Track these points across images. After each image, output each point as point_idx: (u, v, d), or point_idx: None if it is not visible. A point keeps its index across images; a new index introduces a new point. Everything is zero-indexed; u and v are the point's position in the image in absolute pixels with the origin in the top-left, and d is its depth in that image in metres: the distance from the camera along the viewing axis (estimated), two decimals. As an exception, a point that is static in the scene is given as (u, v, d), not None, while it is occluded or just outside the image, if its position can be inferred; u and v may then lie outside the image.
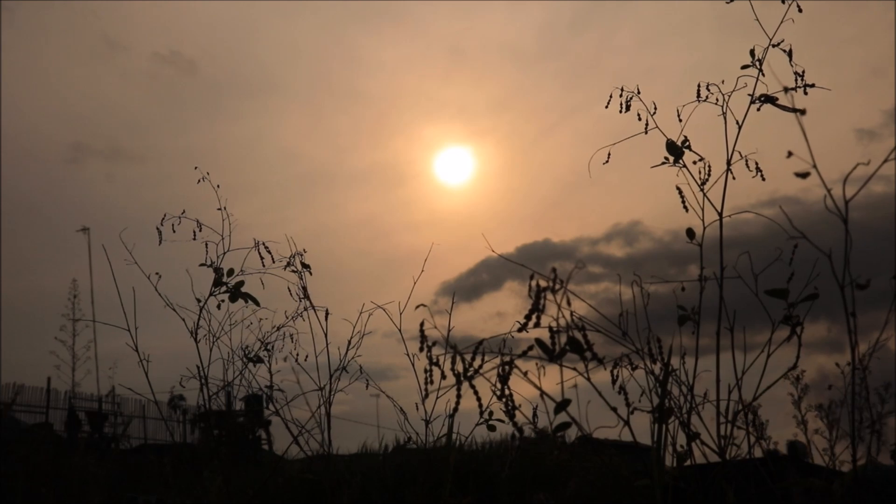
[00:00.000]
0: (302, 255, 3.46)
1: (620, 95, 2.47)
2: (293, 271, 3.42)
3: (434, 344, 1.27)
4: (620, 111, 2.44)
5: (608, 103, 2.46)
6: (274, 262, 3.41)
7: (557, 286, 1.23)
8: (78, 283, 20.32)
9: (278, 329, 3.47)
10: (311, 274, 3.45)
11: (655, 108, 2.43)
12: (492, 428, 2.63)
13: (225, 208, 3.41)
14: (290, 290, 3.42)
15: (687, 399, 2.09)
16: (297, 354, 3.39)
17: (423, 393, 1.25)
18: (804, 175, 1.54)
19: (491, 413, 2.60)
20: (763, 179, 2.29)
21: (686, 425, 2.09)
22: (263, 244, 3.41)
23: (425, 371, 1.27)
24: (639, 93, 2.45)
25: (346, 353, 3.42)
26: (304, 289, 3.39)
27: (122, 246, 3.37)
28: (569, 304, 1.26)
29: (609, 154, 2.43)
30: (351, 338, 3.41)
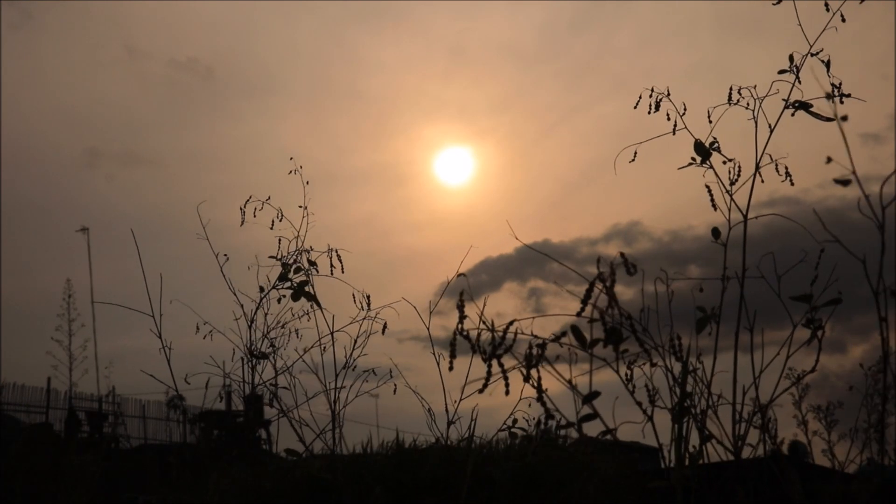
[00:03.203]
0: (337, 252, 3.44)
1: (651, 96, 2.46)
2: (300, 268, 3.41)
3: (466, 317, 1.26)
4: (649, 112, 2.43)
5: (637, 104, 2.44)
6: (339, 270, 3.39)
7: (631, 270, 1.23)
8: (73, 282, 20.28)
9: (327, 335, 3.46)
10: (343, 271, 3.43)
11: (685, 109, 2.42)
12: (514, 435, 2.62)
13: (306, 207, 3.40)
14: (353, 297, 3.40)
15: (704, 398, 2.08)
16: (340, 351, 3.38)
17: (449, 365, 1.25)
18: (845, 182, 1.54)
19: (515, 420, 2.58)
20: (792, 184, 2.29)
21: (702, 424, 2.08)
22: (336, 251, 3.40)
23: (451, 343, 1.26)
24: (668, 94, 2.44)
25: (351, 353, 3.41)
26: (368, 297, 3.37)
27: (126, 244, 3.38)
28: (613, 301, 1.25)
29: (636, 153, 2.42)
30: (360, 337, 3.41)
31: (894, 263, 1.82)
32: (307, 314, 3.46)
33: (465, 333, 1.26)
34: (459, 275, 1.29)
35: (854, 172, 1.60)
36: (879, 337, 1.90)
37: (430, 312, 3.08)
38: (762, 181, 2.29)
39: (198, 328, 3.42)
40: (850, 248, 1.80)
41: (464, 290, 1.22)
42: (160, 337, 3.13)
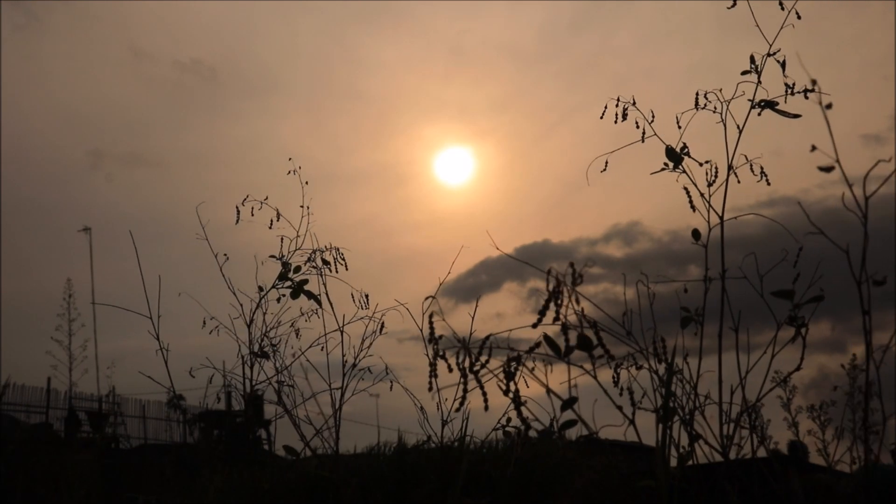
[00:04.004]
0: (338, 251, 3.45)
1: (616, 105, 2.46)
2: (313, 267, 3.42)
3: (441, 337, 1.28)
4: (616, 121, 2.44)
5: (603, 114, 2.45)
6: (344, 269, 3.41)
7: (577, 281, 1.24)
8: (73, 282, 20.24)
9: (294, 329, 3.47)
10: (346, 269, 3.44)
11: (653, 117, 2.43)
12: (508, 434, 2.63)
13: (308, 207, 3.41)
14: (353, 297, 3.41)
15: (690, 399, 2.09)
16: (338, 351, 3.39)
17: (429, 386, 1.26)
18: (828, 169, 1.55)
19: (509, 419, 2.60)
20: (768, 184, 2.30)
21: (689, 425, 2.09)
22: (338, 249, 3.41)
23: (430, 365, 1.27)
24: (634, 103, 2.44)
25: (358, 353, 3.42)
26: (367, 296, 3.39)
27: (127, 245, 3.39)
28: (577, 302, 1.26)
29: (606, 162, 2.43)
30: (364, 338, 3.41)
31: (889, 260, 1.83)
32: (315, 313, 3.48)
33: (442, 354, 1.26)
34: (427, 297, 1.30)
35: (838, 160, 1.61)
36: (878, 337, 1.90)
37: (424, 314, 3.09)
38: (738, 181, 2.30)
39: (204, 322, 3.42)
40: (835, 243, 1.80)
41: (433, 312, 1.23)
42: (157, 338, 3.15)
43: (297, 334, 3.50)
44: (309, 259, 3.42)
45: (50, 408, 17.62)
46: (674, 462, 2.07)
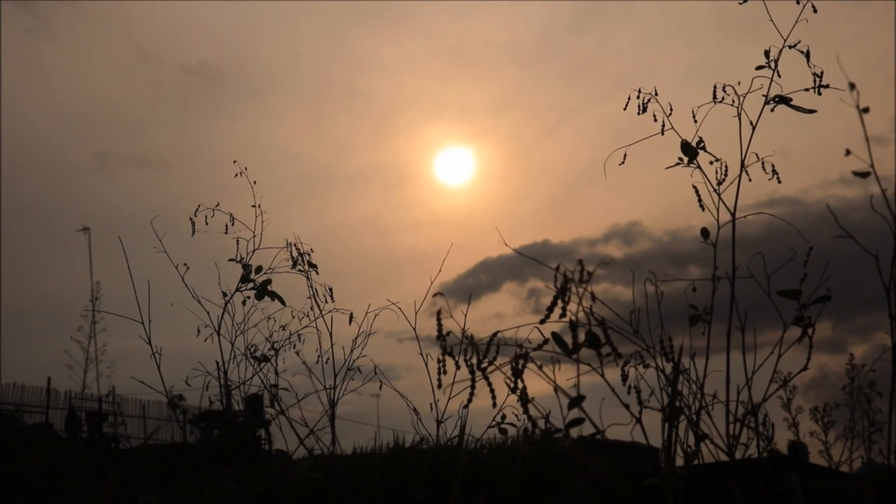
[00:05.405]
0: (309, 255, 3.45)
1: (638, 97, 2.45)
2: (300, 271, 3.42)
3: (449, 333, 1.27)
4: (638, 113, 2.42)
5: (626, 105, 2.44)
6: (295, 265, 3.41)
7: (584, 278, 1.23)
8: (101, 285, 20.16)
9: (286, 330, 3.46)
10: (317, 273, 3.45)
11: (671, 110, 2.42)
12: (503, 431, 2.62)
13: (259, 206, 3.40)
14: (316, 292, 3.41)
15: (697, 398, 2.08)
16: (318, 353, 3.37)
17: (438, 382, 1.25)
18: (864, 174, 1.52)
19: (503, 416, 2.59)
20: (779, 181, 2.28)
21: (695, 425, 2.08)
22: (295, 245, 3.41)
23: (438, 361, 1.26)
24: (656, 94, 2.44)
25: (352, 352, 3.40)
26: (331, 290, 3.39)
27: (121, 247, 3.39)
28: (593, 299, 1.25)
29: (625, 155, 2.42)
30: (356, 338, 3.40)
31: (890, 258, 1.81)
32: (309, 314, 3.46)
33: (449, 351, 1.25)
34: (436, 294, 1.29)
35: (872, 166, 1.59)
36: (879, 337, 1.89)
37: (417, 312, 3.09)
38: (749, 179, 2.29)
39: (198, 331, 3.42)
40: (865, 248, 1.78)
41: (441, 308, 1.22)
42: (150, 342, 3.15)
43: (300, 338, 3.48)
44: (294, 264, 3.42)
45: (50, 408, 17.60)
46: (679, 461, 2.06)
